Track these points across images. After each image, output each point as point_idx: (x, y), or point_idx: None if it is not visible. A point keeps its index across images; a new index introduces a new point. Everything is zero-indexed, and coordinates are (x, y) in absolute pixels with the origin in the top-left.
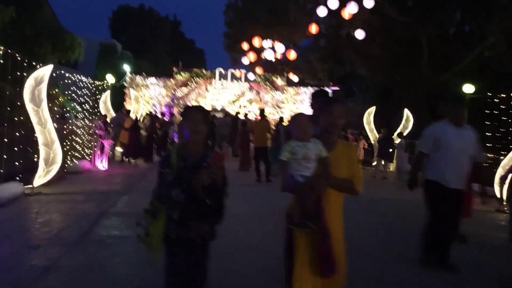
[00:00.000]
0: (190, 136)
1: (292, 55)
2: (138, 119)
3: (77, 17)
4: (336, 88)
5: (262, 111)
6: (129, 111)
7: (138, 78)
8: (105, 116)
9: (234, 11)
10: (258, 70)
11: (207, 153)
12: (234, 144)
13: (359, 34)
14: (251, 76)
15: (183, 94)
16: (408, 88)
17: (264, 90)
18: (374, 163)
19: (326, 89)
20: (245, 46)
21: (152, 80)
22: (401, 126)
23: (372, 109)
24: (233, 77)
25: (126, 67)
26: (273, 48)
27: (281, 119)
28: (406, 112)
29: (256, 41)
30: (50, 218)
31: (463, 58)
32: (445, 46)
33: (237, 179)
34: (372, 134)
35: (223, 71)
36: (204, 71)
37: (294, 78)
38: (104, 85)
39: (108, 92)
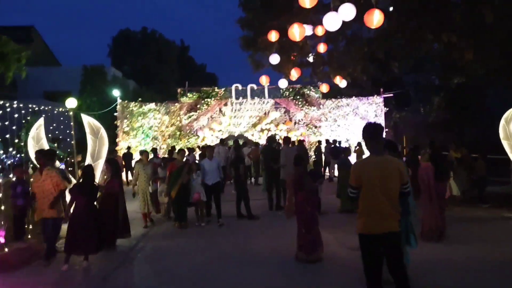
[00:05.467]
0: None
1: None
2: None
3: (72, 48)
4: (389, 94)
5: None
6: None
7: (132, 105)
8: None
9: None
10: (294, 72)
11: None
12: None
13: None
14: (283, 83)
15: (190, 120)
16: None
17: (294, 106)
18: None
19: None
20: (273, 36)
21: (151, 106)
22: None
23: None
24: (254, 93)
25: (116, 92)
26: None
27: (320, 142)
28: None
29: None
30: None
31: None
32: None
33: None
34: None
35: (240, 87)
36: (216, 89)
37: (342, 83)
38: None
39: (40, 123)
